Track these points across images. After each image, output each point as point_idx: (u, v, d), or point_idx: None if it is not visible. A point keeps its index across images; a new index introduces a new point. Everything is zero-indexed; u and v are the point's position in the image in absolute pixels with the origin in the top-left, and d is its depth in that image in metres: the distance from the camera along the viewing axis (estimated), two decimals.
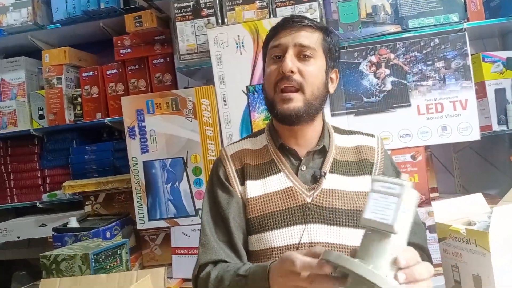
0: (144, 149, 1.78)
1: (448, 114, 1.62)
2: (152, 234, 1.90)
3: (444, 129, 1.63)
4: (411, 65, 1.65)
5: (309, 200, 0.92)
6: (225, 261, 0.92)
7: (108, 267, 1.58)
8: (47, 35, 2.25)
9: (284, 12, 1.78)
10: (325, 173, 0.94)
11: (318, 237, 0.91)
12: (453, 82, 1.62)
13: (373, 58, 1.67)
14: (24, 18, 2.16)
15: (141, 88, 2.10)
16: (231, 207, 0.96)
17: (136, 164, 1.78)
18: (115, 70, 2.15)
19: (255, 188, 0.95)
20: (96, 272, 1.46)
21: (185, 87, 2.01)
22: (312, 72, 0.93)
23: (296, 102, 0.91)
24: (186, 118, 1.75)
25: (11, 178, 2.21)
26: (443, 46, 1.63)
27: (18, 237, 2.09)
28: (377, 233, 0.61)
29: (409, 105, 1.65)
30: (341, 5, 1.75)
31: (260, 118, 1.71)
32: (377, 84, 1.66)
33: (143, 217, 1.78)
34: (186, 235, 1.76)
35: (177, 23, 1.86)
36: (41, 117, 2.20)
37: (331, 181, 0.94)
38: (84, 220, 1.92)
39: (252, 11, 1.82)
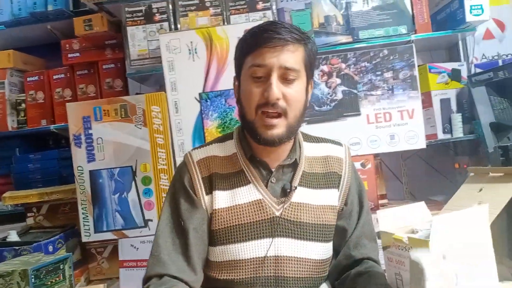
0: (91, 158, 1.70)
1: (396, 123, 1.67)
2: (99, 247, 1.82)
3: (392, 138, 1.67)
4: (361, 75, 1.68)
5: (277, 214, 0.91)
6: (173, 276, 0.89)
7: (49, 283, 1.49)
8: None
9: (238, 19, 1.77)
10: (296, 188, 0.93)
11: (285, 251, 0.90)
12: (400, 92, 1.67)
13: (325, 68, 1.69)
14: None
15: (90, 94, 2.02)
16: (193, 217, 0.92)
17: (82, 173, 1.70)
18: (62, 75, 2.06)
19: (223, 199, 0.93)
20: None
21: (137, 93, 1.95)
22: (296, 96, 0.90)
23: (279, 128, 0.89)
24: (135, 125, 1.70)
25: None
26: (391, 57, 1.68)
27: None
28: None
29: (359, 114, 1.68)
30: (294, 14, 1.77)
31: (213, 126, 1.69)
32: (329, 93, 1.68)
33: (89, 229, 1.70)
34: (135, 247, 1.69)
35: (128, 28, 1.81)
36: None
37: (300, 195, 0.94)
38: (25, 233, 1.81)
39: (206, 18, 1.79)
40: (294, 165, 0.96)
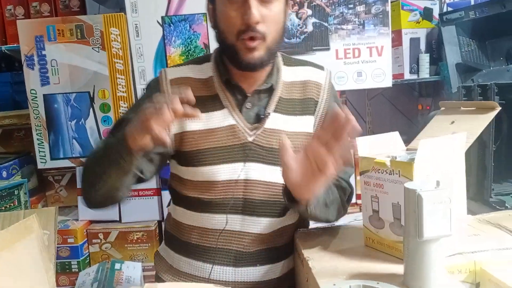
0: (45, 81, 1.61)
1: (364, 60, 1.64)
2: (56, 175, 1.78)
3: (360, 75, 1.65)
4: (333, 7, 1.62)
5: (250, 139, 0.91)
6: None
7: (3, 208, 1.46)
8: None
9: None
10: (269, 114, 0.92)
11: (254, 175, 0.91)
12: (371, 27, 1.63)
13: None
14: None
15: (44, 13, 1.85)
16: None
17: (36, 97, 1.61)
18: None
19: (195, 122, 0.91)
20: None
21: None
22: (275, 18, 0.86)
23: (260, 50, 0.86)
24: (92, 48, 1.59)
25: None
26: None
27: None
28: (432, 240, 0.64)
29: (328, 49, 1.63)
30: None
31: (176, 53, 1.61)
32: (299, 25, 1.62)
33: (45, 156, 1.64)
34: None
35: None
36: None
37: (274, 121, 0.93)
38: None
39: None
40: (270, 91, 0.94)
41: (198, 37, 1.60)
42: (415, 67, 1.77)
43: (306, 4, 1.61)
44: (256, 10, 0.82)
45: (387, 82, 1.66)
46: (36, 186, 1.78)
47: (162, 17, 1.57)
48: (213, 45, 1.59)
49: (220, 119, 0.92)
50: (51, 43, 1.59)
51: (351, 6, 1.62)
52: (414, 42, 1.77)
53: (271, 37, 0.86)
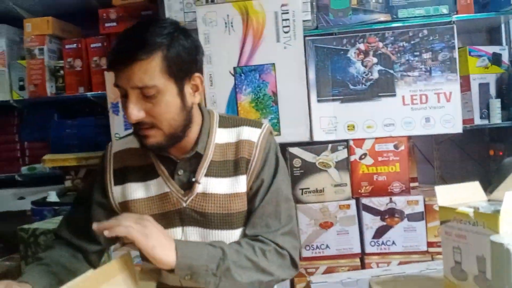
0: (128, 126, 1.76)
1: (432, 105, 1.64)
2: None
3: (428, 121, 1.65)
4: (398, 55, 1.65)
5: (184, 205, 0.95)
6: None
7: None
8: (30, 2, 2.17)
9: None
10: (198, 180, 0.95)
11: (194, 238, 0.95)
12: (438, 74, 1.64)
13: (362, 46, 1.66)
14: None
15: None
16: (95, 196, 1.01)
17: None
18: (99, 44, 2.09)
19: (136, 191, 0.98)
20: None
21: None
22: (161, 110, 0.86)
23: (155, 137, 0.89)
24: None
25: None
26: (431, 38, 1.64)
27: None
28: None
29: (394, 95, 1.66)
30: None
31: (246, 100, 1.70)
32: (364, 72, 1.66)
33: None
34: None
35: None
36: (22, 88, 2.14)
37: (206, 185, 0.95)
38: (64, 195, 1.91)
39: None
40: (199, 156, 0.96)
41: (266, 85, 1.69)
42: (485, 112, 1.74)
43: (371, 53, 1.66)
44: (136, 110, 0.85)
45: (457, 128, 1.64)
46: None
47: (234, 68, 1.69)
48: (282, 93, 1.68)
49: (156, 187, 0.97)
50: None
51: (417, 53, 1.64)
52: (483, 87, 1.75)
53: (164, 125, 0.87)
